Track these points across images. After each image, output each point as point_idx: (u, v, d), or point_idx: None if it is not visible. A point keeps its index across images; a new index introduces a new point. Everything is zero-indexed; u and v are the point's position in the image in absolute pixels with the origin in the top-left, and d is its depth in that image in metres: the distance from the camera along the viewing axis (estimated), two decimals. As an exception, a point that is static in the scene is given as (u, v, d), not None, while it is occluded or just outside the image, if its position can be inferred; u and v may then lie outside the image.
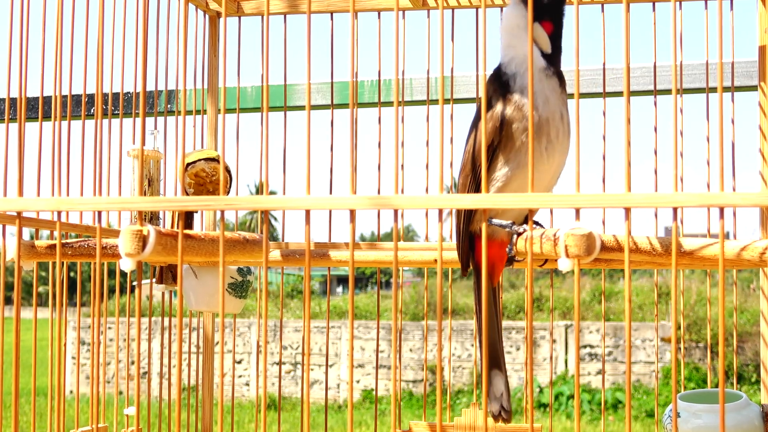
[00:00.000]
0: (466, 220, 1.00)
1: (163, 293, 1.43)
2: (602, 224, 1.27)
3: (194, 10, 1.42)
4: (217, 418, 0.77)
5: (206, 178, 1.25)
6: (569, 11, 0.99)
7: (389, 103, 1.46)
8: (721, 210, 0.69)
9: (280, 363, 1.39)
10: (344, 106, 1.60)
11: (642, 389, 6.94)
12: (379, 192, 1.34)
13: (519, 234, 0.93)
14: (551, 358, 1.40)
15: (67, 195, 1.16)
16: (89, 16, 1.13)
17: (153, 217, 1.29)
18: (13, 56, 0.92)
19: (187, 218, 1.27)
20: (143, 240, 0.81)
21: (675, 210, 0.70)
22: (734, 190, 1.22)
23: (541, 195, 0.72)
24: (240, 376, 7.64)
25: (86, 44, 1.14)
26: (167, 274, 1.33)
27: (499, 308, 1.02)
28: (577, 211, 0.74)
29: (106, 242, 1.09)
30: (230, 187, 1.31)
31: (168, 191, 1.36)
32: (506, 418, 0.98)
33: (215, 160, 1.25)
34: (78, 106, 1.65)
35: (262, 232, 1.11)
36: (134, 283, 1.55)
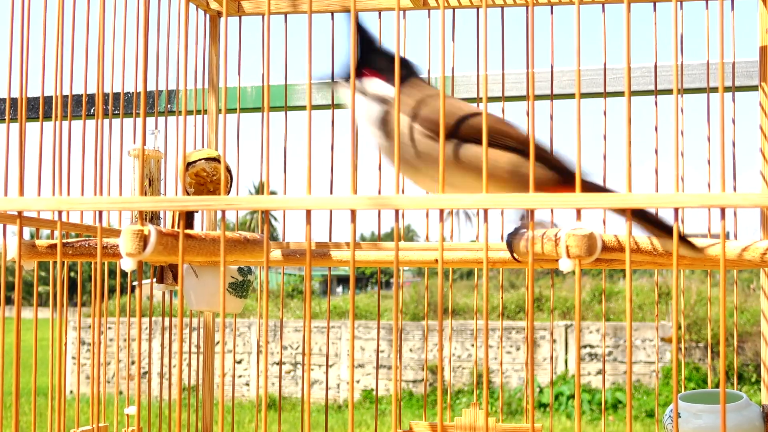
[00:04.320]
0: None
1: (163, 293, 1.43)
2: (603, 224, 1.27)
3: (195, 10, 1.42)
4: (217, 418, 0.77)
5: (207, 178, 1.25)
6: (570, 12, 0.99)
7: (390, 103, 1.46)
8: (722, 210, 0.69)
9: (280, 363, 1.39)
10: (345, 106, 1.59)
11: (642, 389, 6.95)
12: (379, 192, 1.34)
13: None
14: (551, 358, 1.40)
15: (68, 195, 1.16)
16: (90, 16, 1.13)
17: (153, 217, 1.29)
18: (13, 56, 0.92)
19: (188, 218, 1.27)
20: (144, 240, 0.81)
21: (676, 210, 0.70)
22: (735, 190, 1.22)
23: (541, 195, 0.72)
24: (240, 376, 7.64)
25: (87, 44, 1.14)
26: (167, 274, 1.33)
27: None
28: (578, 211, 0.74)
29: (107, 242, 1.09)
30: (231, 186, 1.31)
31: (168, 191, 1.36)
32: None
33: (216, 159, 1.25)
34: (78, 106, 1.64)
35: (262, 232, 1.11)
36: (134, 283, 1.55)
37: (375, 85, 0.99)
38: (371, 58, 0.98)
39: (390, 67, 0.96)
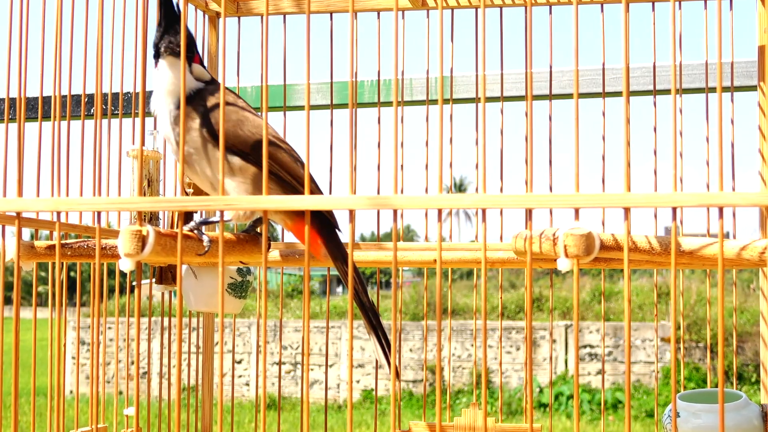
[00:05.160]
0: None
1: (162, 293, 1.43)
2: (602, 224, 1.27)
3: (194, 11, 1.42)
4: (217, 418, 0.77)
5: (206, 178, 1.25)
6: (569, 12, 0.99)
7: (389, 103, 1.46)
8: (721, 210, 0.69)
9: (279, 363, 1.39)
10: (344, 106, 1.60)
11: (642, 389, 6.94)
12: (378, 192, 1.34)
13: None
14: (551, 358, 1.40)
15: (67, 195, 1.16)
16: (89, 16, 1.13)
17: (152, 218, 1.29)
18: (12, 56, 0.92)
19: (187, 219, 1.27)
20: (142, 240, 0.81)
21: (674, 210, 0.70)
22: (734, 190, 1.22)
23: (539, 195, 0.72)
24: (240, 376, 7.64)
25: (86, 44, 1.14)
26: (167, 275, 1.33)
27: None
28: (577, 210, 0.74)
29: (106, 243, 1.09)
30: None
31: (167, 191, 1.36)
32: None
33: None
34: (77, 106, 1.64)
35: (261, 233, 1.11)
36: (134, 284, 1.54)
37: (198, 68, 1.07)
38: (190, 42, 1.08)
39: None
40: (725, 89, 1.33)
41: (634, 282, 8.50)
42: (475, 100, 1.43)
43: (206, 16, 1.46)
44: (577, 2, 0.72)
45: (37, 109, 1.65)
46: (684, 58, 1.38)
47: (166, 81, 1.05)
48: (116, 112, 1.36)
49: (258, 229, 1.12)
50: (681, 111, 1.26)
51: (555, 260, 0.79)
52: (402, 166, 1.26)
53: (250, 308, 7.65)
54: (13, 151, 0.92)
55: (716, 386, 1.58)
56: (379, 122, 1.40)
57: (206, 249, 0.99)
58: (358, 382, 7.48)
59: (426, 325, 1.46)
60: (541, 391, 6.86)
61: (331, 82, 1.47)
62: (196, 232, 1.00)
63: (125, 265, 0.82)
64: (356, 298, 1.00)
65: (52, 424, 1.25)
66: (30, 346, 1.12)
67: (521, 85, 1.49)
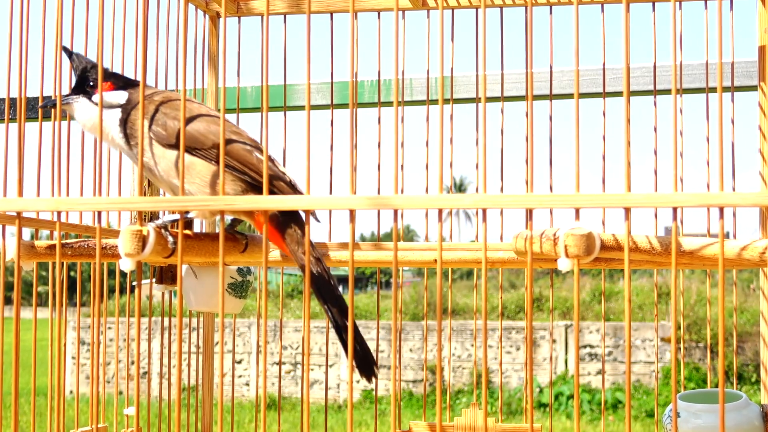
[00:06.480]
0: None
1: (162, 293, 1.43)
2: (602, 224, 1.27)
3: (194, 11, 1.42)
4: (217, 418, 0.77)
5: (206, 178, 1.25)
6: (569, 12, 0.99)
7: (389, 103, 1.46)
8: (721, 210, 0.69)
9: (280, 363, 1.39)
10: (344, 106, 1.60)
11: (642, 389, 6.94)
12: (378, 192, 1.34)
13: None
14: (551, 358, 1.40)
15: (67, 195, 1.16)
16: (89, 16, 1.13)
17: (153, 218, 1.29)
18: (13, 56, 0.92)
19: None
20: (143, 240, 0.82)
21: (675, 210, 0.70)
22: (734, 190, 1.22)
23: (540, 195, 0.72)
24: (240, 376, 7.64)
25: (86, 44, 1.14)
26: (167, 274, 1.33)
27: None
28: (577, 211, 0.74)
29: (106, 242, 1.09)
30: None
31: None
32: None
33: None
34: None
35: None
36: (134, 283, 1.54)
37: (111, 95, 1.04)
38: (93, 75, 1.06)
39: (116, 77, 1.07)
40: (725, 89, 1.33)
41: (634, 282, 8.50)
42: (475, 100, 1.43)
43: (206, 16, 1.46)
44: (577, 2, 0.72)
45: (37, 109, 1.65)
46: (684, 58, 1.38)
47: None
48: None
49: (237, 228, 1.10)
50: (681, 111, 1.26)
51: (555, 260, 0.79)
52: (402, 166, 1.26)
53: (250, 308, 7.65)
54: (13, 151, 0.92)
55: (716, 386, 1.58)
56: (379, 122, 1.40)
57: (172, 249, 0.97)
58: (358, 382, 7.47)
59: (426, 325, 1.46)
60: (541, 391, 6.86)
61: (332, 82, 1.47)
62: (163, 231, 0.98)
63: (125, 265, 0.82)
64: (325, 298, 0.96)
65: (52, 424, 1.25)
66: (30, 346, 1.12)
67: (521, 85, 1.49)
